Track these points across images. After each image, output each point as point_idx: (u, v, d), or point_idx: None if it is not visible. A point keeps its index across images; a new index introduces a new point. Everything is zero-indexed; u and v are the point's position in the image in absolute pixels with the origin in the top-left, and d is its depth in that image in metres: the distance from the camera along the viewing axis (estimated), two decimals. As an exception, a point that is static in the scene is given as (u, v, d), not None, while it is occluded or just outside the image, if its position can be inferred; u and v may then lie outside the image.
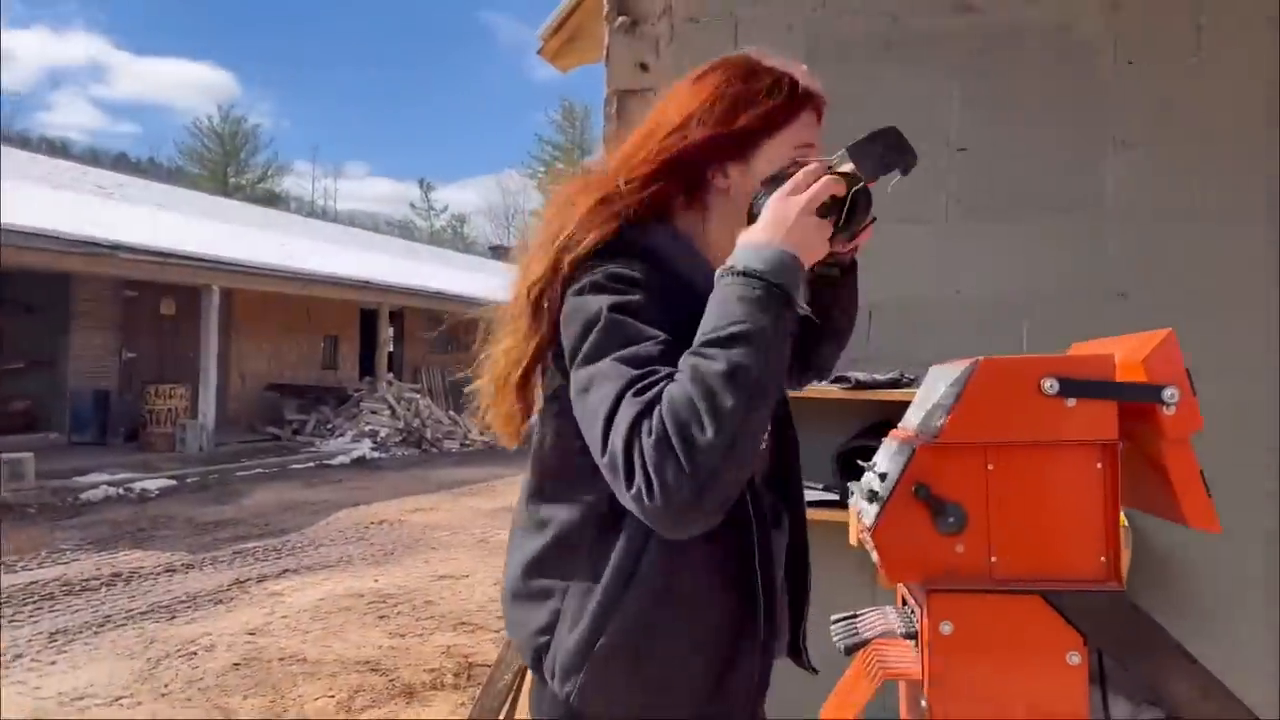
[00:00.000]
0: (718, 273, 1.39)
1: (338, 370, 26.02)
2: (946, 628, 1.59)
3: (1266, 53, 3.35)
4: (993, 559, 1.64)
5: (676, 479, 1.23)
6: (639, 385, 1.30)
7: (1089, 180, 3.51)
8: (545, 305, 1.50)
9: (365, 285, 22.52)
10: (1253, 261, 3.36)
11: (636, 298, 1.40)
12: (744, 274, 1.35)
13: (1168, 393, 1.67)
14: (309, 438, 20.83)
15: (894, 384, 3.42)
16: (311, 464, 17.86)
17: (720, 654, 1.51)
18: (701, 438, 1.23)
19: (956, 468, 1.62)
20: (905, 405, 3.39)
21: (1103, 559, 1.70)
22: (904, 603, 1.87)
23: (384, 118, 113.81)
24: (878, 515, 1.60)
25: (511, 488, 13.98)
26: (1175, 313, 3.41)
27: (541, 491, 1.60)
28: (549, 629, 1.51)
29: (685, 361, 1.30)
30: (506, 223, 62.06)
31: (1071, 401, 1.63)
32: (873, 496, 1.65)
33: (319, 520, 12.01)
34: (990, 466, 1.63)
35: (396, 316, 26.21)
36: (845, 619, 1.98)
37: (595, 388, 1.35)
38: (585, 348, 1.39)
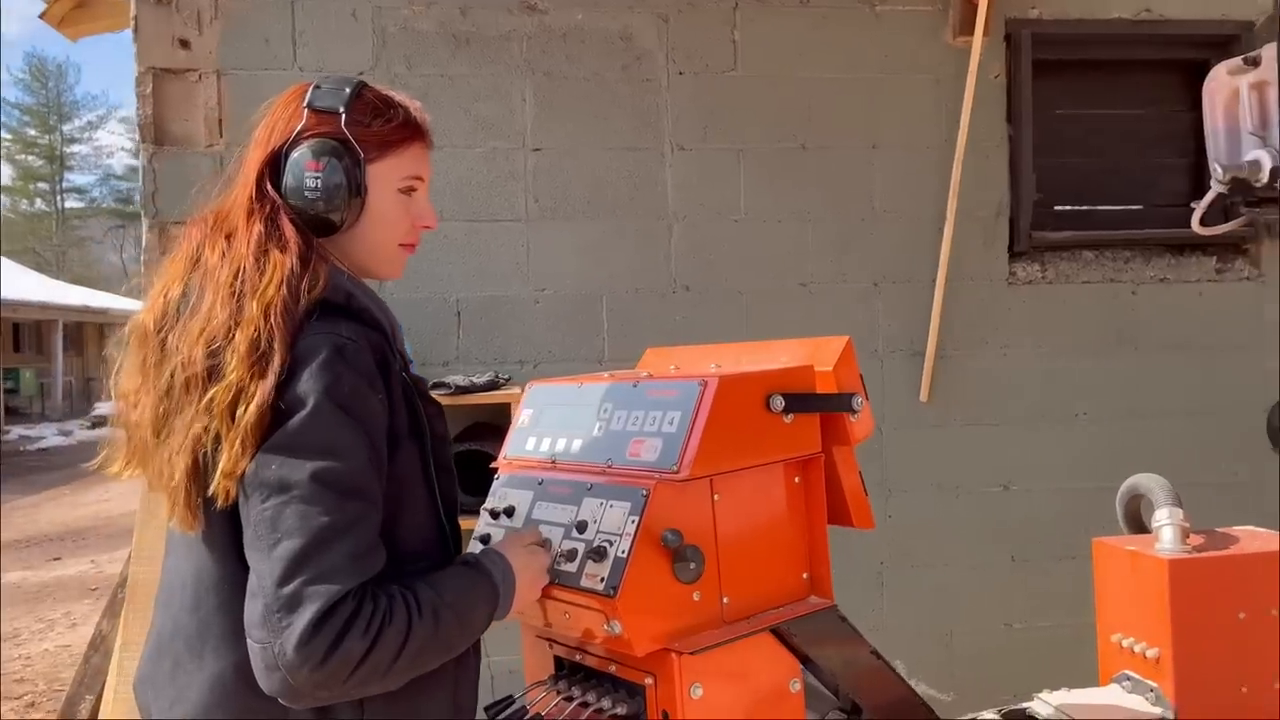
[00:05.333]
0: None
1: None
2: (698, 691, 1.27)
3: (795, 68, 3.43)
4: (724, 600, 1.35)
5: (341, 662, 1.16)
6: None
7: (653, 181, 3.40)
8: None
9: None
10: (790, 256, 3.45)
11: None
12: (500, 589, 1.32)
13: (856, 400, 1.49)
14: None
15: (492, 385, 3.06)
16: None
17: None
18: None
19: (691, 505, 1.31)
20: (504, 406, 3.13)
21: (805, 575, 1.49)
22: (564, 673, 1.47)
23: None
24: (618, 576, 1.23)
25: None
26: (730, 305, 3.43)
27: None
28: None
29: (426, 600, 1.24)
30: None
31: (790, 418, 1.38)
32: (600, 554, 1.27)
33: None
34: (717, 497, 1.34)
35: None
36: (500, 705, 1.49)
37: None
38: None
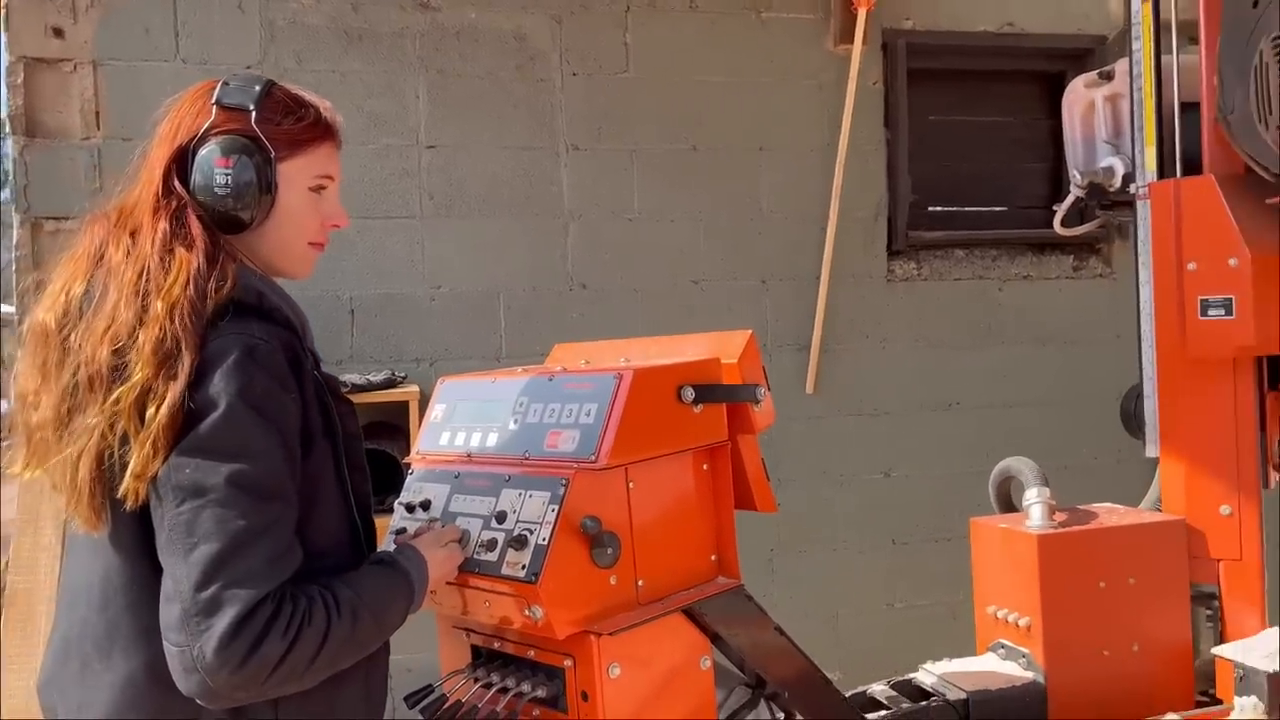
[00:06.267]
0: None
1: None
2: (615, 671, 1.33)
3: (686, 71, 3.52)
4: (639, 583, 1.41)
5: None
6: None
7: (548, 180, 3.43)
8: None
9: None
10: (683, 255, 3.53)
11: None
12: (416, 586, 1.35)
13: (759, 391, 1.58)
14: None
15: (389, 384, 3.04)
16: None
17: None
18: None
19: (608, 492, 1.36)
20: (401, 405, 3.11)
21: (713, 557, 1.56)
22: (482, 661, 1.51)
23: None
24: (540, 563, 1.27)
25: None
26: (626, 302, 3.49)
27: None
28: None
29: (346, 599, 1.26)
30: None
31: (699, 408, 1.45)
32: (520, 543, 1.31)
33: None
34: (631, 485, 1.40)
35: None
36: (420, 694, 1.51)
37: None
38: None
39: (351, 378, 2.98)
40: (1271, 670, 1.94)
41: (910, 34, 3.72)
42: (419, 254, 3.32)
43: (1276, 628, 2.07)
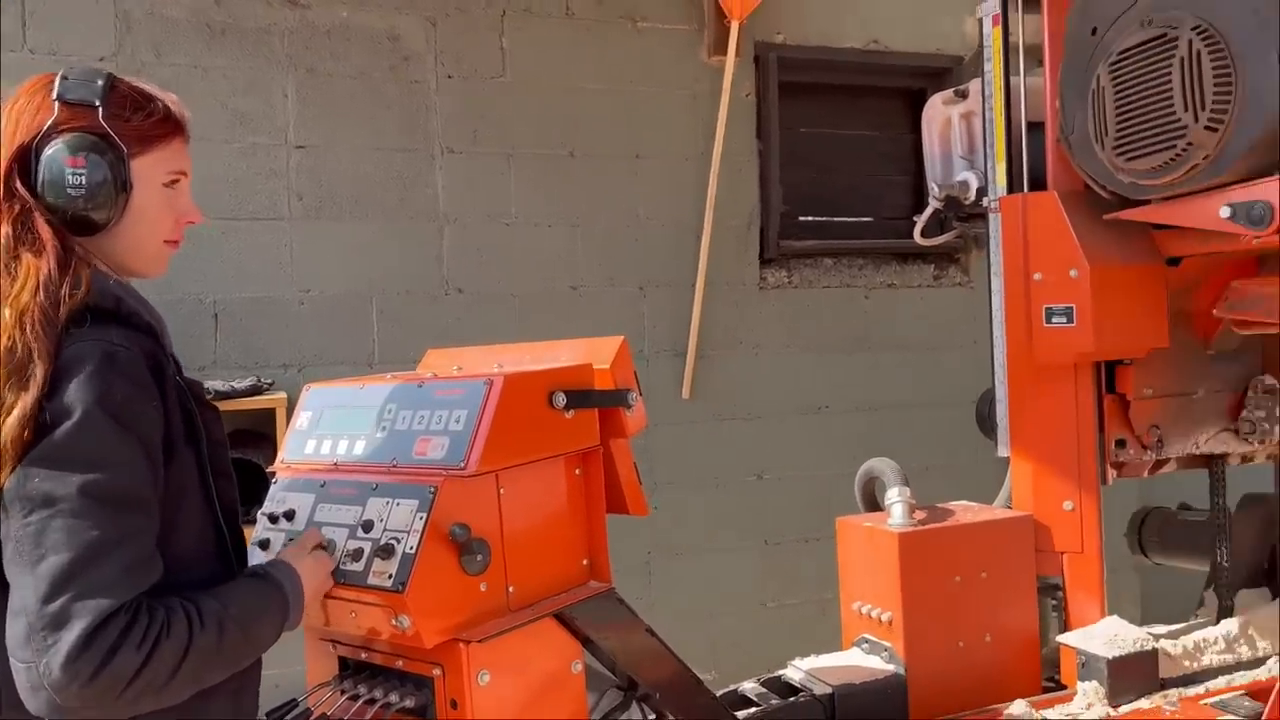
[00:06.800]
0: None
1: None
2: (485, 678, 1.32)
3: (562, 77, 3.52)
4: (510, 589, 1.41)
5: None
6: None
7: (423, 183, 3.39)
8: None
9: None
10: (560, 260, 3.54)
11: None
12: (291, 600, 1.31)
13: (631, 396, 1.60)
14: None
15: (255, 391, 2.94)
16: None
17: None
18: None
19: (478, 499, 1.35)
20: (267, 412, 3.01)
21: (585, 562, 1.57)
22: (349, 673, 1.47)
23: None
24: (407, 572, 1.26)
25: None
26: (503, 307, 3.48)
27: None
28: None
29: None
30: None
31: (571, 413, 1.46)
32: (387, 551, 1.29)
33: None
34: (502, 491, 1.40)
35: None
36: (282, 710, 1.47)
37: None
38: None
39: (215, 385, 2.87)
40: (1110, 656, 2.08)
41: (781, 48, 3.83)
42: (287, 256, 3.23)
43: (1114, 616, 2.22)
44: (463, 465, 1.31)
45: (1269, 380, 2.40)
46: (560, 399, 1.41)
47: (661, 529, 3.64)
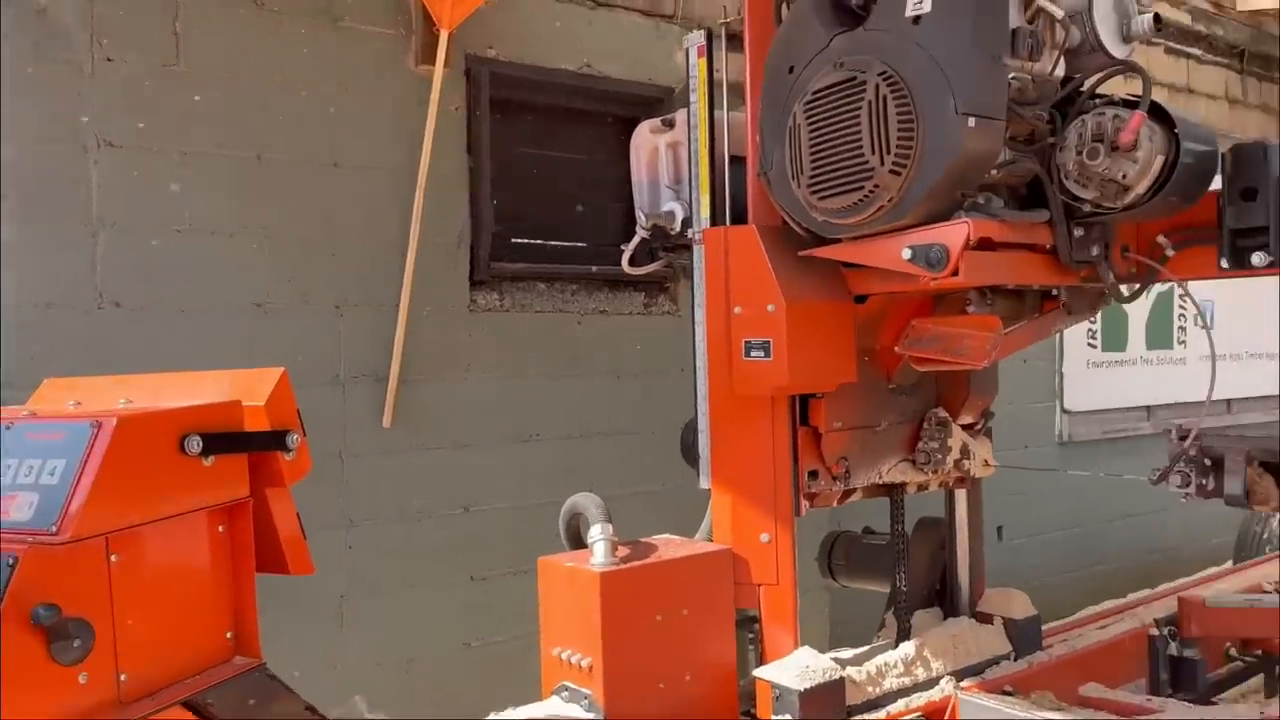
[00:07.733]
0: None
1: None
2: (81, 796, 1.05)
3: (249, 72, 3.18)
4: (122, 677, 1.15)
5: None
6: None
7: (74, 180, 2.93)
8: None
9: None
10: (244, 274, 3.18)
11: None
12: None
13: (291, 438, 1.40)
14: None
15: None
16: None
17: None
18: None
19: (75, 571, 1.09)
20: None
21: (229, 634, 1.34)
22: None
23: None
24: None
25: None
26: (172, 324, 3.07)
27: None
28: None
29: None
30: None
31: (210, 460, 1.23)
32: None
33: None
34: (114, 559, 1.14)
35: None
36: None
37: None
38: None
39: None
40: (802, 689, 2.09)
41: (494, 63, 3.70)
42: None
43: (806, 647, 2.25)
44: (54, 530, 1.05)
45: (941, 413, 2.56)
46: (195, 444, 1.18)
47: (358, 569, 3.36)
